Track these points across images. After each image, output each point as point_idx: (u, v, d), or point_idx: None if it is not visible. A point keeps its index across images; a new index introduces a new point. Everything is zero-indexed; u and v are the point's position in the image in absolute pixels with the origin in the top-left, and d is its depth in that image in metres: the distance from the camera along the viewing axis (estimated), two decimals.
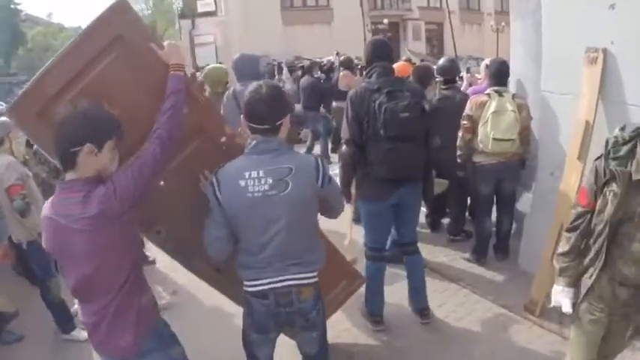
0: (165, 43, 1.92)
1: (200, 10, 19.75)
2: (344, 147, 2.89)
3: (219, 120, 2.26)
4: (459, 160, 3.76)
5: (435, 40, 26.50)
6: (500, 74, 3.62)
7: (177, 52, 1.91)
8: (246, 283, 1.93)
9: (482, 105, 3.53)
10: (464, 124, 3.63)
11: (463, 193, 4.18)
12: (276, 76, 9.40)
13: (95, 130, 1.61)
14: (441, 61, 4.32)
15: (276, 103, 1.86)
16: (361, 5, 22.34)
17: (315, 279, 1.97)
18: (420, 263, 3.19)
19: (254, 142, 1.86)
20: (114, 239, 1.64)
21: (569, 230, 1.93)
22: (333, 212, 2.10)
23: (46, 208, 1.69)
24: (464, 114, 3.62)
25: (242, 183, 1.79)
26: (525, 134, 3.54)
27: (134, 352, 1.74)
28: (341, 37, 19.26)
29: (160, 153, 1.70)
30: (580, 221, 1.88)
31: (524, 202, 4.00)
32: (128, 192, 1.61)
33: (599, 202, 1.79)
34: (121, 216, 1.62)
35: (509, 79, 3.96)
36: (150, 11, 30.61)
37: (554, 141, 3.31)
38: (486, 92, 3.58)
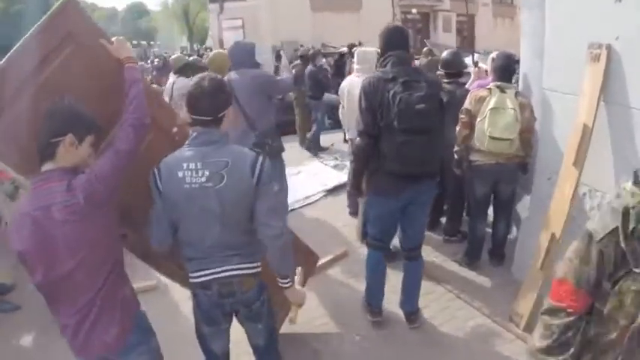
0: (113, 39, 1.92)
1: None
2: (357, 139, 2.75)
3: (171, 111, 2.20)
4: (455, 157, 3.54)
5: (466, 32, 25.63)
6: (503, 69, 3.34)
7: (125, 47, 1.91)
8: (190, 274, 1.92)
9: (481, 100, 3.28)
10: (461, 118, 3.39)
11: (460, 192, 3.94)
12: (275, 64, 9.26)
13: (79, 123, 1.62)
14: (444, 54, 4.05)
15: (218, 96, 1.82)
16: None
17: (257, 269, 1.94)
18: (420, 269, 3.02)
19: (194, 133, 1.83)
20: (98, 229, 1.61)
21: (552, 352, 1.24)
22: (262, 228, 1.82)
23: (22, 205, 1.61)
24: (462, 108, 3.38)
25: (180, 174, 1.77)
26: (527, 136, 3.27)
27: (119, 348, 1.71)
28: (369, 26, 18.74)
29: (134, 137, 1.71)
30: (570, 334, 1.23)
31: (524, 206, 3.74)
32: (107, 175, 1.61)
33: (609, 304, 1.17)
34: (104, 204, 1.60)
35: (519, 75, 3.69)
36: None
37: (554, 143, 3.04)
38: (487, 87, 3.32)
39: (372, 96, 2.59)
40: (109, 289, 1.66)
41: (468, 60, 9.48)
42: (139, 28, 39.30)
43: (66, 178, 1.56)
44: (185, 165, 1.77)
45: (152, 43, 36.78)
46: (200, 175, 1.75)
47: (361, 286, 3.53)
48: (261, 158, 1.83)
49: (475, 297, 3.34)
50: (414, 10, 22.43)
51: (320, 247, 4.27)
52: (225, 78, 3.74)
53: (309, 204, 5.44)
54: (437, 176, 2.77)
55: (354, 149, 2.83)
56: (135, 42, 33.21)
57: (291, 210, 5.19)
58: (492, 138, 3.17)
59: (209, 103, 1.79)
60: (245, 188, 1.79)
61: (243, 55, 3.64)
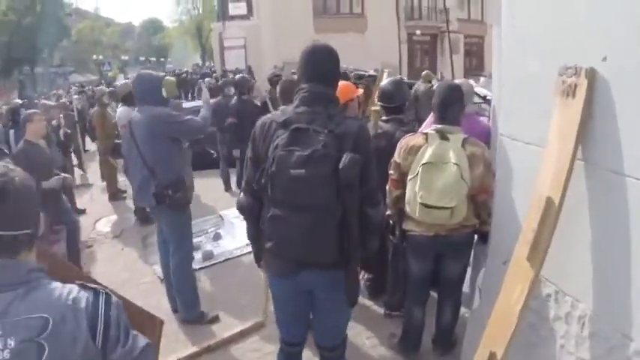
0: None
1: (232, 12, 18.84)
2: (241, 194, 1.97)
3: None
4: (390, 222, 2.52)
5: (475, 54, 24.54)
6: (445, 106, 2.29)
7: None
8: None
9: (414, 150, 2.25)
10: (390, 174, 2.38)
11: (402, 261, 2.91)
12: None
13: None
14: (383, 83, 3.03)
15: (11, 206, 1.02)
16: (397, 15, 20.85)
17: None
18: None
19: None
20: None
21: None
22: None
23: None
24: (391, 160, 2.37)
25: None
26: (482, 199, 2.24)
27: None
28: (375, 47, 17.97)
29: None
30: None
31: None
32: None
33: None
34: None
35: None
36: (196, 11, 30.51)
37: (512, 214, 1.99)
38: (424, 131, 2.31)
39: (260, 143, 1.80)
40: None
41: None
42: (154, 44, 39.29)
43: None
44: None
45: (162, 59, 36.83)
46: (1, 346, 0.95)
47: None
48: (102, 300, 1.05)
49: None
50: (417, 32, 21.43)
51: (239, 311, 3.33)
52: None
53: (249, 252, 4.48)
54: (334, 267, 1.76)
55: (237, 208, 1.99)
56: (142, 58, 33.33)
57: (226, 260, 4.40)
58: (425, 206, 2.14)
59: None
60: None
61: (146, 90, 2.97)
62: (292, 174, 1.63)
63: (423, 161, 2.15)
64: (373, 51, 17.43)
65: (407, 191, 2.25)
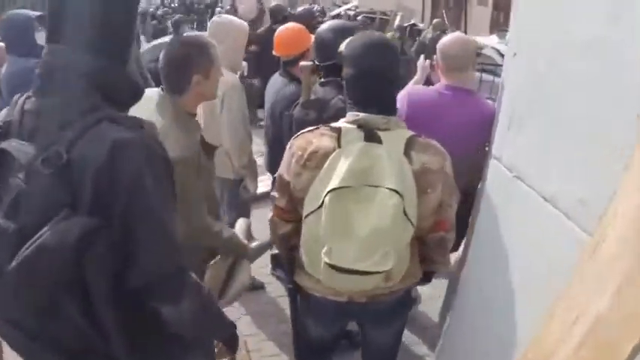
0: None
1: None
2: None
3: None
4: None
5: (504, 8, 22.12)
6: (369, 78, 1.18)
7: None
8: None
9: (317, 160, 1.17)
10: (273, 197, 1.34)
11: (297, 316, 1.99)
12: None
13: None
14: (320, 30, 1.85)
15: None
16: None
17: None
18: None
19: None
20: None
21: None
22: None
23: None
24: (277, 173, 1.32)
25: None
26: (437, 238, 1.23)
27: None
28: None
29: None
30: None
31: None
32: None
33: None
34: None
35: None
36: None
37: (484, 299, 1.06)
38: (335, 125, 1.20)
39: None
40: None
41: (488, 41, 6.59)
42: None
43: None
44: None
45: None
46: None
47: None
48: None
49: None
50: None
51: None
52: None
53: None
54: None
55: None
56: None
57: None
58: (333, 267, 1.09)
59: None
60: None
61: (13, 35, 2.42)
62: None
63: (332, 185, 1.08)
64: None
65: (302, 233, 1.22)
